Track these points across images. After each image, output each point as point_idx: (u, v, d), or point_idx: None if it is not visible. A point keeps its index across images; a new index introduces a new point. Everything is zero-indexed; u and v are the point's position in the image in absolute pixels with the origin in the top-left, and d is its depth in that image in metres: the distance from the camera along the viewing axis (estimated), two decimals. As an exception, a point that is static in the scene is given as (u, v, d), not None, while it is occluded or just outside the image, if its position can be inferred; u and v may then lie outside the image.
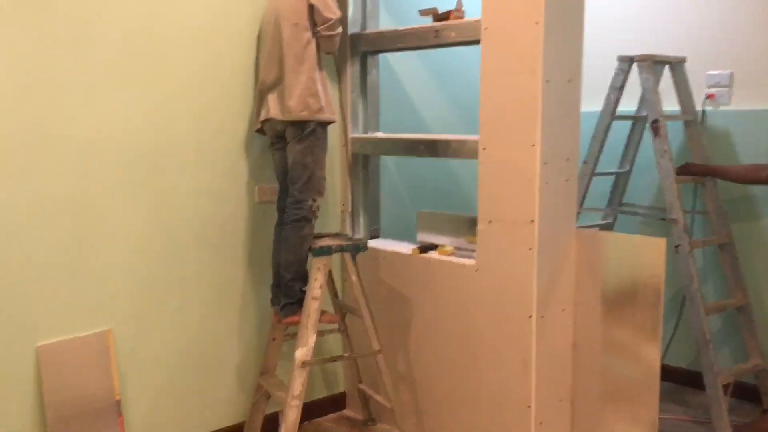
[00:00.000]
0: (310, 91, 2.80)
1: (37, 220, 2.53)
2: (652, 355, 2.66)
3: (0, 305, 2.47)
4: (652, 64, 3.40)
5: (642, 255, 2.66)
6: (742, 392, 3.59)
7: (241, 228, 3.07)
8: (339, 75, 3.25)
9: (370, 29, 3.38)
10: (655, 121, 3.35)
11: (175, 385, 2.92)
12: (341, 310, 3.20)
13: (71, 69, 2.57)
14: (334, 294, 3.18)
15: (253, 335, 3.14)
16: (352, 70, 3.37)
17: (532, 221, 2.68)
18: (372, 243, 3.38)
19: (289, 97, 2.78)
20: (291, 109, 2.78)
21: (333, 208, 3.42)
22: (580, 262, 2.83)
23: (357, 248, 2.91)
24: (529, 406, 2.74)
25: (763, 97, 3.50)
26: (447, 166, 3.88)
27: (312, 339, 2.80)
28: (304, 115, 2.78)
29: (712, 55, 3.65)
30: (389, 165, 3.69)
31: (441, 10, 3.08)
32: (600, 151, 3.65)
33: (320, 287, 2.81)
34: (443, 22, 3.01)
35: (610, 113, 3.60)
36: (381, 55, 3.48)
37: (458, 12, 3.02)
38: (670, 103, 3.58)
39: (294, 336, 3.07)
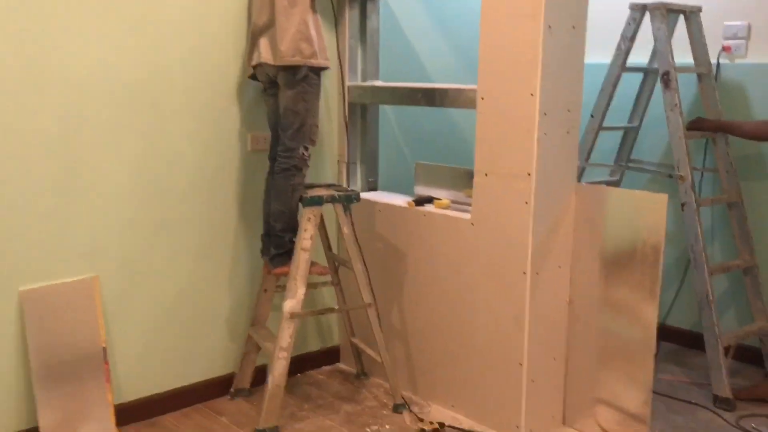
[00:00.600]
0: (303, 34, 2.69)
1: (22, 162, 2.46)
2: (649, 315, 2.58)
3: (-18, 249, 2.44)
4: (666, 12, 3.24)
5: (643, 212, 2.56)
6: (746, 355, 3.51)
7: (233, 176, 2.99)
8: (336, 20, 3.13)
9: (370, -28, 3.26)
10: (666, 73, 3.21)
11: (163, 333, 2.88)
12: (334, 263, 3.14)
13: (63, 8, 2.48)
14: (327, 246, 3.12)
15: (244, 285, 3.09)
16: (350, 15, 3.24)
17: (529, 174, 2.58)
18: (368, 195, 3.30)
19: (281, 40, 2.68)
20: (282, 54, 2.68)
21: (329, 158, 3.34)
22: (579, 218, 2.73)
23: (349, 199, 2.83)
24: (521, 364, 2.68)
25: (781, 50, 3.34)
26: (448, 116, 3.76)
27: (301, 291, 2.74)
28: (296, 60, 2.68)
29: (729, 6, 3.48)
30: (389, 115, 3.58)
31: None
32: (608, 104, 3.51)
33: (310, 238, 2.74)
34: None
35: (620, 65, 3.45)
36: (382, 0, 3.35)
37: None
38: (683, 56, 3.43)
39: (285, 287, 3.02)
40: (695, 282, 3.16)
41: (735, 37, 3.48)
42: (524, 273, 2.63)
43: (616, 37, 3.44)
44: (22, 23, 2.41)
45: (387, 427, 2.84)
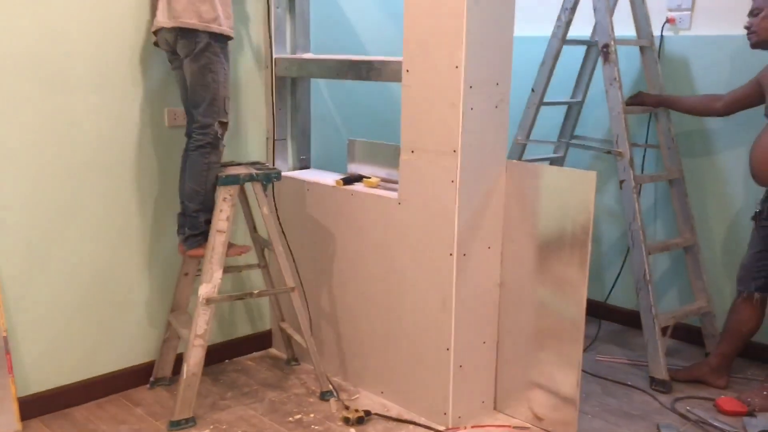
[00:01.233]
0: None
1: None
2: (579, 296, 2.48)
3: None
4: (607, -18, 3.12)
5: (572, 190, 2.45)
6: (688, 335, 3.45)
7: (149, 153, 2.82)
8: None
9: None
10: (606, 46, 3.09)
11: (74, 321, 2.72)
12: (260, 245, 2.99)
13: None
14: (252, 227, 2.97)
15: (164, 269, 2.92)
16: (277, -18, 3.07)
17: (454, 151, 2.45)
18: (298, 173, 3.16)
19: (166, 6, 2.49)
20: (178, 14, 2.47)
21: (257, 135, 3.17)
22: (510, 197, 2.62)
23: (268, 177, 2.68)
24: (448, 349, 2.57)
25: (725, 22, 3.24)
26: (387, 90, 3.61)
27: (217, 274, 2.60)
28: (193, 23, 2.47)
29: (673, -25, 3.37)
30: (322, 89, 3.42)
31: None
32: (549, 78, 3.39)
33: (226, 219, 2.59)
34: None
35: (561, 37, 3.32)
36: (311, -33, 3.18)
37: None
38: (627, 28, 3.31)
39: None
40: (633, 261, 3.07)
41: (679, 9, 3.37)
42: (451, 254, 2.51)
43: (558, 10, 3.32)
44: None
45: (311, 416, 2.72)
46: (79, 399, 2.75)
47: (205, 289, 2.58)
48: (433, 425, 2.64)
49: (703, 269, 3.28)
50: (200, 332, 2.59)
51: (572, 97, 3.64)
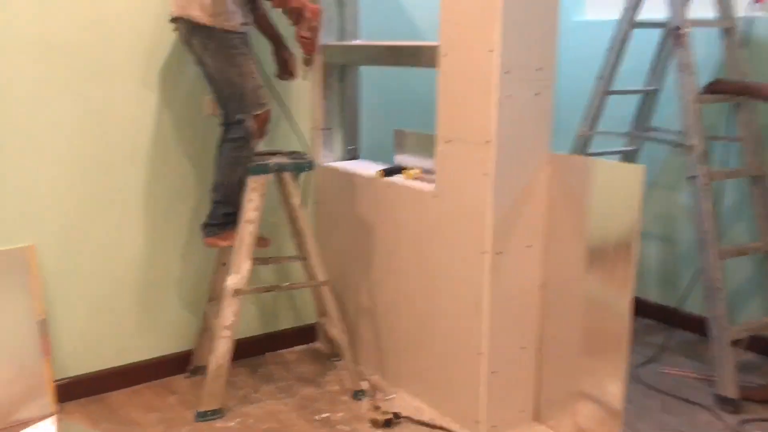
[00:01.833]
0: None
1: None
2: (623, 301, 2.26)
3: None
4: (680, -44, 2.83)
5: (618, 185, 2.23)
6: (770, 349, 3.11)
7: (189, 142, 2.80)
8: None
9: None
10: (676, 28, 2.81)
11: (113, 307, 2.75)
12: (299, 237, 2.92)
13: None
14: (292, 218, 2.90)
15: (203, 257, 2.90)
16: (324, -33, 2.98)
17: (488, 142, 2.28)
18: (343, 164, 3.07)
19: None
20: (184, 4, 2.40)
21: (305, 124, 3.10)
22: (555, 192, 2.41)
23: (300, 167, 2.59)
24: (480, 353, 2.41)
25: (822, 0, 2.87)
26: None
27: (246, 266, 2.54)
28: (198, 16, 2.37)
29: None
30: (374, 77, 3.30)
31: None
32: (615, 65, 3.13)
33: (255, 209, 2.53)
34: None
35: (629, 20, 3.05)
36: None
37: None
38: (708, 9, 3.00)
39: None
40: (703, 266, 2.78)
41: (769, -14, 3.02)
42: (483, 253, 2.35)
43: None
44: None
45: (340, 415, 2.63)
46: (116, 384, 2.78)
47: (233, 280, 2.53)
48: (465, 433, 2.49)
49: (788, 277, 2.94)
50: (227, 323, 2.54)
51: (647, 85, 3.35)
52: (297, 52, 2.71)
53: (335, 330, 2.73)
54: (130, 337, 2.81)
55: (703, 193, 2.74)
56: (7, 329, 2.50)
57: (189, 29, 2.44)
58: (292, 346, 3.23)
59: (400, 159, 2.94)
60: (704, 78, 2.95)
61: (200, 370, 2.91)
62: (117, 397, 2.75)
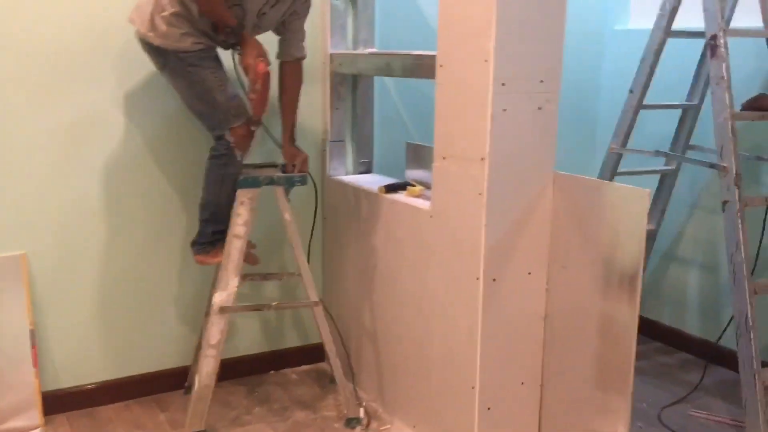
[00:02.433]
0: (159, 4, 2.25)
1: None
2: (627, 338, 2.04)
3: None
4: (718, -42, 2.58)
5: (623, 210, 2.01)
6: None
7: (183, 149, 2.71)
8: None
9: None
10: (713, 38, 2.55)
11: (107, 319, 2.70)
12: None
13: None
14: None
15: (201, 271, 2.80)
16: (336, -29, 2.86)
17: (482, 159, 2.10)
18: (349, 178, 2.94)
19: (137, 6, 2.31)
20: (135, 21, 2.30)
21: (315, 136, 2.99)
22: (559, 215, 2.21)
23: (290, 182, 2.47)
24: (474, 387, 2.22)
25: None
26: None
27: (233, 282, 2.44)
28: (145, 34, 2.26)
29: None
30: (389, 88, 3.16)
31: None
32: (649, 76, 2.89)
33: (244, 224, 2.42)
34: None
35: (664, 28, 2.81)
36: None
37: None
38: (755, 17, 2.73)
39: (246, 276, 2.74)
40: (735, 300, 2.51)
41: (825, -9, 2.72)
42: (477, 279, 2.16)
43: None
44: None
45: (327, 444, 2.49)
46: (108, 398, 2.73)
47: (219, 297, 2.43)
48: (456, 473, 2.30)
49: (838, 316, 2.63)
50: (213, 342, 2.44)
51: (687, 100, 3.08)
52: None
53: (329, 353, 2.59)
54: (123, 351, 2.75)
55: (736, 220, 2.47)
56: (-5, 337, 2.48)
57: (145, 48, 2.34)
58: (297, 365, 3.10)
59: (411, 174, 2.78)
60: (752, 93, 2.69)
61: (196, 387, 2.83)
62: (107, 411, 2.69)
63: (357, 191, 2.79)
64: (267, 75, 2.30)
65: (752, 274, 2.82)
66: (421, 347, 2.47)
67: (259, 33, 2.41)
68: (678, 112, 3.12)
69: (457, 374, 2.29)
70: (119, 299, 2.71)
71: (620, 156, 3.05)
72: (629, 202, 1.97)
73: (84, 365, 2.68)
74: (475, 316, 2.18)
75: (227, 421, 2.63)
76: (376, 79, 3.04)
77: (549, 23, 2.10)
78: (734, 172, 2.49)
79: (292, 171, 2.55)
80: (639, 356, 3.26)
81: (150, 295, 2.76)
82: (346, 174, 3.03)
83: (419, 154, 2.74)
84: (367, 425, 2.59)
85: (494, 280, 2.17)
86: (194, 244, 2.52)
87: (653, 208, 3.31)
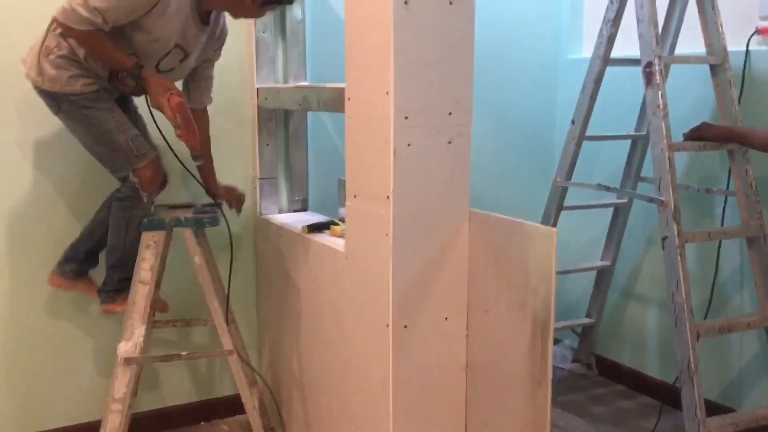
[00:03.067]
0: (46, 47, 2.14)
1: None
2: (541, 393, 1.87)
3: None
4: (653, -18, 2.47)
5: (531, 251, 1.86)
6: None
7: (99, 193, 2.53)
8: None
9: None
10: (648, 65, 2.43)
11: (10, 369, 2.54)
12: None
13: None
14: (216, 277, 2.64)
15: (119, 319, 2.66)
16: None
17: (388, 197, 1.96)
18: (276, 217, 2.81)
19: (30, 47, 2.20)
20: (26, 66, 2.19)
21: (246, 174, 2.86)
22: (477, 256, 2.06)
23: (200, 223, 2.33)
24: (387, 445, 2.05)
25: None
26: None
27: (139, 331, 2.29)
28: (34, 79, 2.16)
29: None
30: (326, 123, 3.03)
31: None
32: (591, 106, 2.77)
33: (150, 269, 2.28)
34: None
35: (602, 56, 2.69)
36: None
37: None
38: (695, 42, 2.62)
39: (170, 323, 2.60)
40: (676, 344, 2.34)
41: (772, 16, 2.60)
42: (387, 325, 2.01)
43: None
44: None
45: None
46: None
47: (124, 348, 2.28)
48: None
49: (794, 358, 2.45)
50: (118, 396, 2.29)
51: (636, 130, 2.95)
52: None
53: (246, 405, 2.43)
54: (33, 405, 2.59)
55: (676, 257, 2.32)
56: None
57: (37, 91, 2.22)
58: (230, 415, 2.93)
59: (342, 212, 2.64)
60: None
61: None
62: (16, 468, 2.53)
63: (282, 231, 2.65)
64: (182, 105, 2.17)
65: (706, 315, 2.68)
66: (343, 398, 2.30)
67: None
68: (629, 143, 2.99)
69: (373, 428, 2.12)
70: (23, 347, 2.55)
71: (565, 190, 2.91)
72: (537, 242, 1.82)
73: (-7, 419, 2.53)
74: (386, 366, 2.02)
75: (140, 479, 2.46)
76: (313, 113, 2.92)
77: (456, 52, 1.97)
78: (672, 206, 2.34)
79: (239, 205, 2.58)
80: (598, 401, 3.14)
81: (62, 348, 2.61)
82: (279, 212, 2.90)
83: (349, 191, 2.61)
84: (289, 482, 2.42)
85: (405, 326, 2.01)
86: (101, 291, 2.38)
87: (608, 244, 3.17)
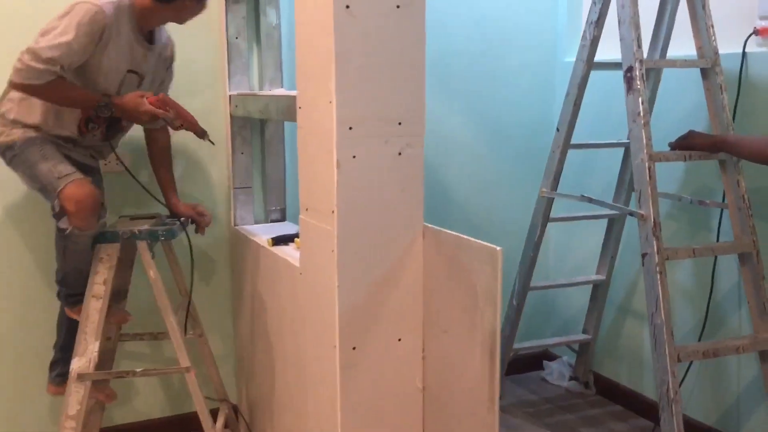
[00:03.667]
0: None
1: None
2: (489, 417, 1.74)
3: None
4: (636, -19, 2.32)
5: (477, 270, 1.74)
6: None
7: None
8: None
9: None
10: (629, 69, 2.28)
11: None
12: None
13: None
14: (184, 291, 2.57)
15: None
16: (234, 10, 2.68)
17: (332, 211, 1.86)
18: (248, 228, 2.73)
19: None
20: None
21: (221, 183, 2.80)
22: (432, 274, 1.95)
23: (154, 236, 2.26)
24: (336, 472, 1.95)
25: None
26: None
27: (92, 347, 2.23)
28: None
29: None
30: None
31: None
32: (575, 112, 2.63)
33: (103, 282, 2.22)
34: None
35: (586, 59, 2.54)
36: (284, -7, 2.76)
37: None
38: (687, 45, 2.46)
39: (138, 336, 2.55)
40: (655, 368, 2.18)
41: (771, 16, 2.42)
42: (334, 347, 1.91)
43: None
44: None
45: None
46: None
47: (77, 363, 2.23)
48: None
49: (790, 384, 2.27)
50: (72, 413, 2.23)
51: (628, 138, 2.79)
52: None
53: (203, 423, 2.35)
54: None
55: (655, 276, 2.16)
56: None
57: None
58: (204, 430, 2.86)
59: (315, 223, 2.55)
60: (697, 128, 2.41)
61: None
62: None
63: (249, 242, 2.57)
64: (164, 97, 2.20)
65: (701, 336, 2.52)
66: (302, 417, 2.21)
67: None
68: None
69: (324, 454, 2.02)
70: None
71: (552, 200, 2.76)
72: (483, 261, 1.70)
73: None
74: (334, 389, 1.92)
75: (100, 497, 2.41)
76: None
77: (405, 58, 1.86)
78: (652, 220, 2.19)
79: (204, 221, 2.47)
80: (592, 423, 2.98)
81: (29, 359, 2.57)
82: (256, 222, 2.82)
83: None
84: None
85: (354, 348, 1.91)
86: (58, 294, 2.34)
87: (602, 257, 3.01)
